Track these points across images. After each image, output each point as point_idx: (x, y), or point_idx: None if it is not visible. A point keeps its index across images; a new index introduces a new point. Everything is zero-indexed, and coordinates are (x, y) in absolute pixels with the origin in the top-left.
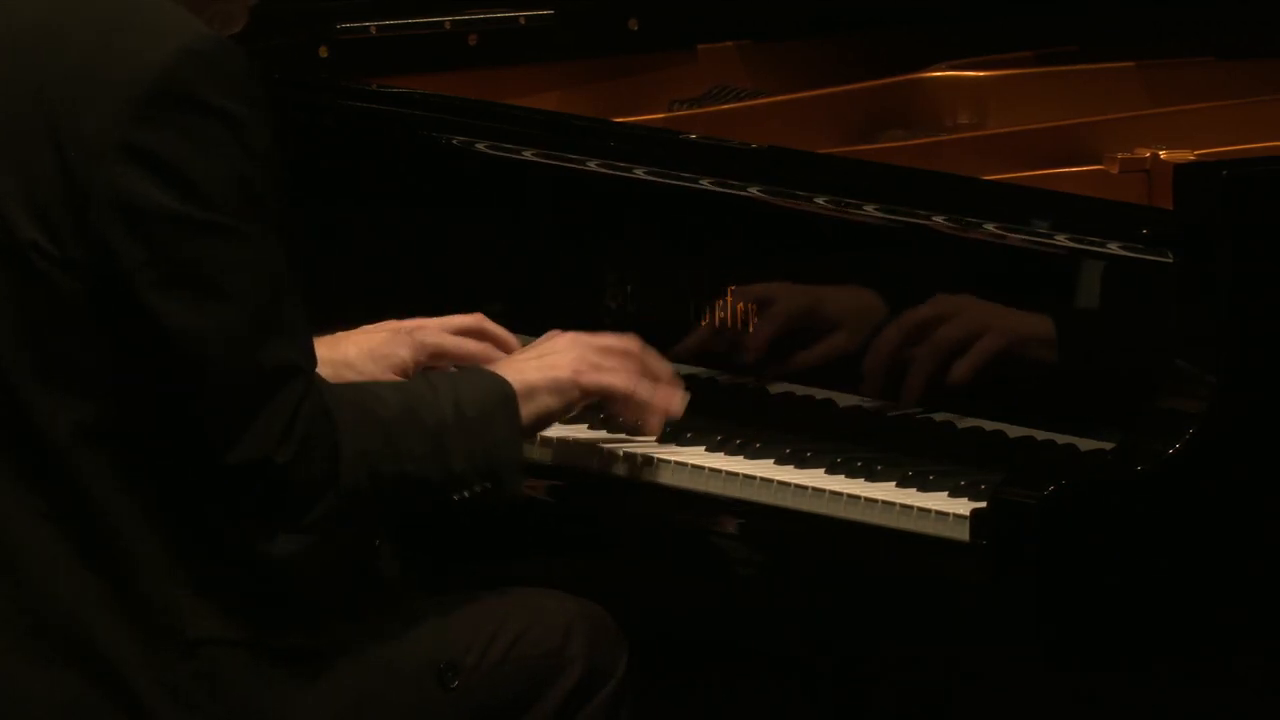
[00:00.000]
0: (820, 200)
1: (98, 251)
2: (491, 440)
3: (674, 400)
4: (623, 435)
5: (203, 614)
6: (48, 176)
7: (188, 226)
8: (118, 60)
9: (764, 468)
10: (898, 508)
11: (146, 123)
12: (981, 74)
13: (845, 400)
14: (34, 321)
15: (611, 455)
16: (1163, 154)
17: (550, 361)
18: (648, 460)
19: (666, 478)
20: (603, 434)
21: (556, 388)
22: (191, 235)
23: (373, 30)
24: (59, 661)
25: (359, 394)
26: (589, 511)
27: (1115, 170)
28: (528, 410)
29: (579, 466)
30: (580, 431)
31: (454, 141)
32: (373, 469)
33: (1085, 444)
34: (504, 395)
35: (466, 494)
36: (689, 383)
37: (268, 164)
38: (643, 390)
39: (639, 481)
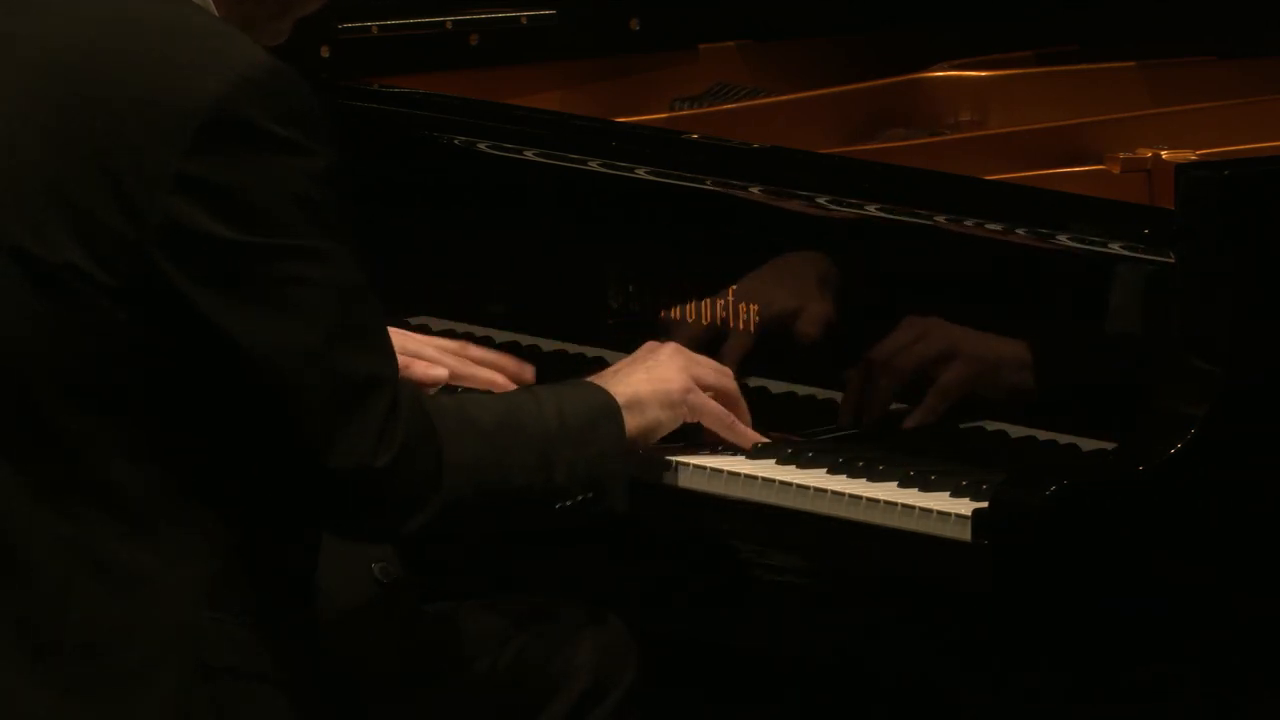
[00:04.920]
0: (821, 200)
1: (154, 280)
2: (595, 451)
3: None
4: None
5: (219, 641)
6: (99, 205)
7: (249, 252)
8: (173, 90)
9: (765, 468)
10: (899, 508)
11: (202, 153)
12: (982, 74)
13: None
14: (70, 345)
15: None
16: (1164, 154)
17: (660, 375)
18: (649, 461)
19: (667, 478)
20: None
21: (668, 401)
22: (255, 260)
23: (374, 30)
24: (65, 680)
25: (461, 403)
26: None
27: (1117, 170)
28: (635, 422)
29: None
30: None
31: (455, 141)
32: (477, 479)
33: (1086, 444)
34: (608, 407)
35: (568, 503)
36: None
37: (332, 184)
38: (739, 430)
39: (638, 482)
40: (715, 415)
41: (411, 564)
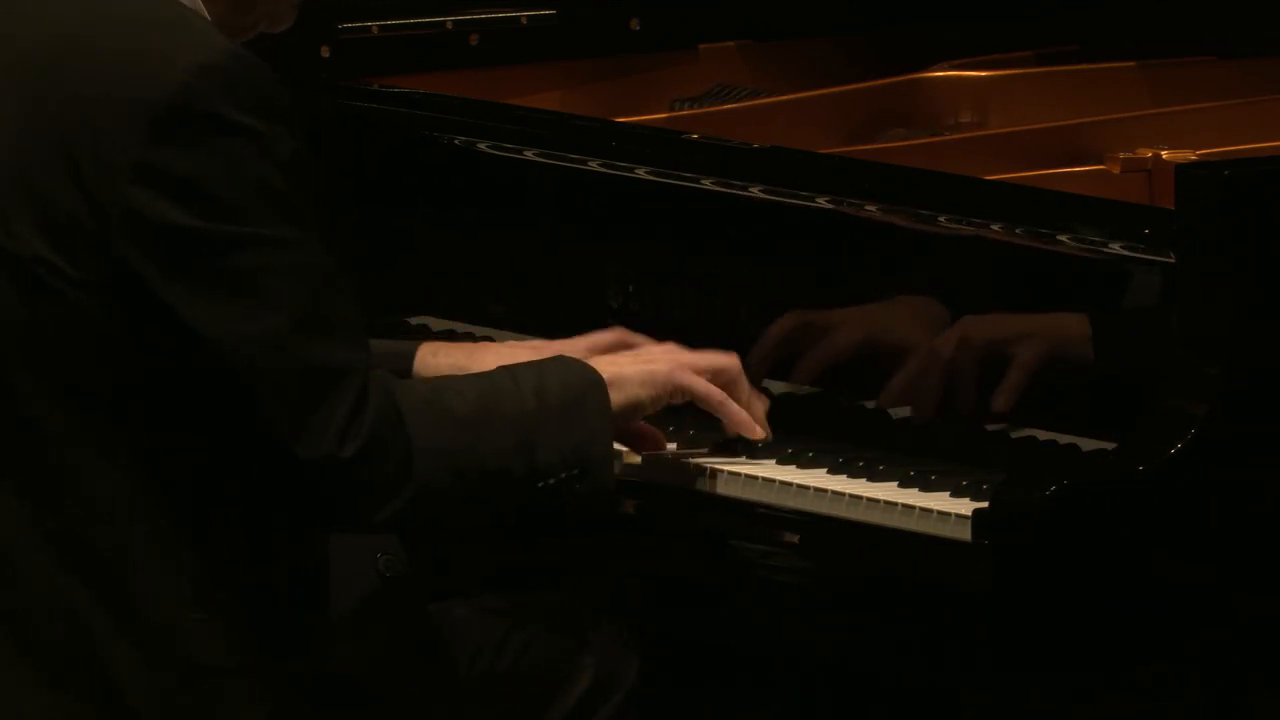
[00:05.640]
0: (821, 200)
1: (120, 271)
2: (578, 428)
3: (757, 428)
4: None
5: (207, 640)
6: (63, 197)
7: (213, 241)
8: (136, 81)
9: (766, 468)
10: (899, 508)
11: (163, 142)
12: (982, 74)
13: (847, 401)
14: (45, 339)
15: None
16: (1164, 154)
17: (647, 356)
18: (647, 460)
19: (665, 478)
20: None
21: (650, 380)
22: (218, 250)
23: (374, 30)
24: (55, 679)
25: (434, 390)
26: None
27: (1117, 170)
28: (618, 399)
29: None
30: None
31: (455, 141)
32: (450, 464)
33: (1087, 444)
34: (591, 382)
35: (552, 482)
36: None
37: (298, 172)
38: (733, 408)
39: (636, 481)
40: (705, 393)
41: (414, 562)
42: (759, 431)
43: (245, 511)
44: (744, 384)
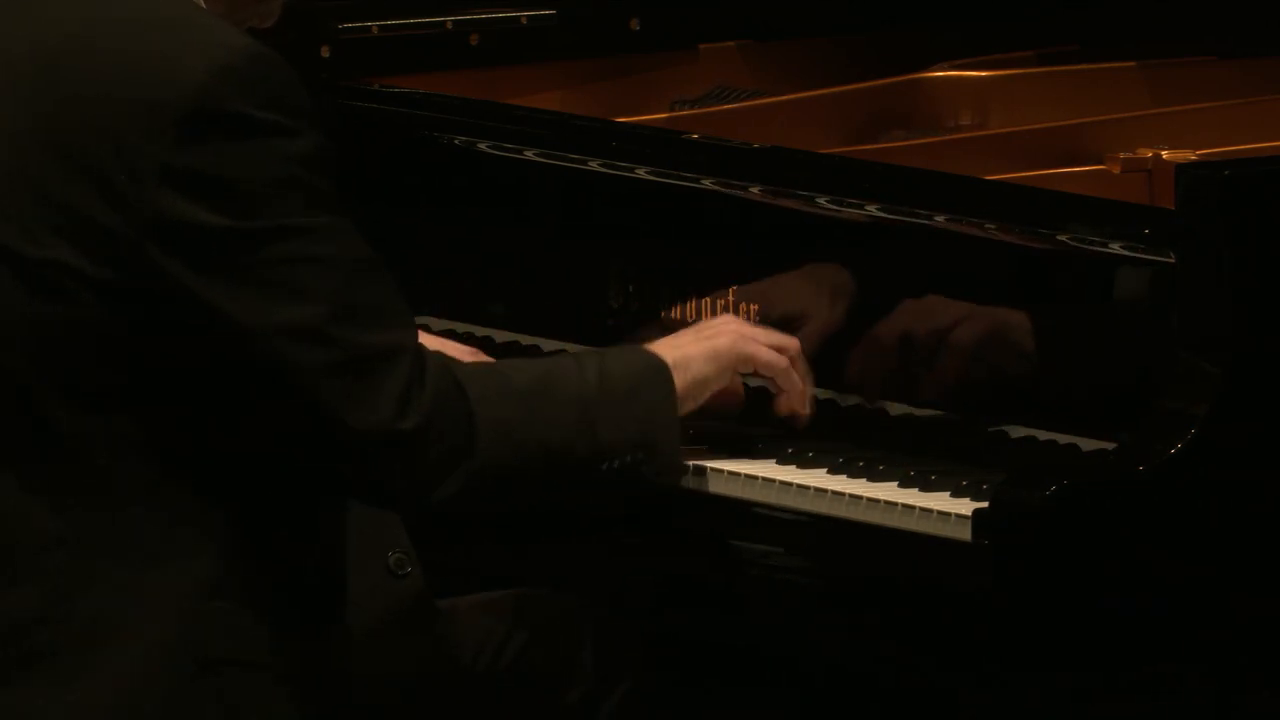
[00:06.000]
0: (821, 200)
1: (150, 274)
2: (642, 409)
3: (807, 404)
4: None
5: (218, 634)
6: (85, 202)
7: (244, 238)
8: (152, 82)
9: (766, 468)
10: (899, 508)
11: (186, 144)
12: (982, 74)
13: (847, 400)
14: (57, 341)
15: None
16: (1164, 154)
17: (708, 333)
18: None
19: None
20: None
21: (714, 355)
22: (251, 245)
23: (374, 30)
24: (56, 678)
25: (494, 366)
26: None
27: (1117, 170)
28: (684, 379)
29: None
30: None
31: (455, 141)
32: (512, 439)
33: (1087, 444)
34: (654, 366)
35: (617, 464)
36: None
37: (322, 161)
38: (794, 379)
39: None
40: (769, 360)
41: (421, 560)
42: (808, 408)
43: (256, 507)
44: (801, 363)
